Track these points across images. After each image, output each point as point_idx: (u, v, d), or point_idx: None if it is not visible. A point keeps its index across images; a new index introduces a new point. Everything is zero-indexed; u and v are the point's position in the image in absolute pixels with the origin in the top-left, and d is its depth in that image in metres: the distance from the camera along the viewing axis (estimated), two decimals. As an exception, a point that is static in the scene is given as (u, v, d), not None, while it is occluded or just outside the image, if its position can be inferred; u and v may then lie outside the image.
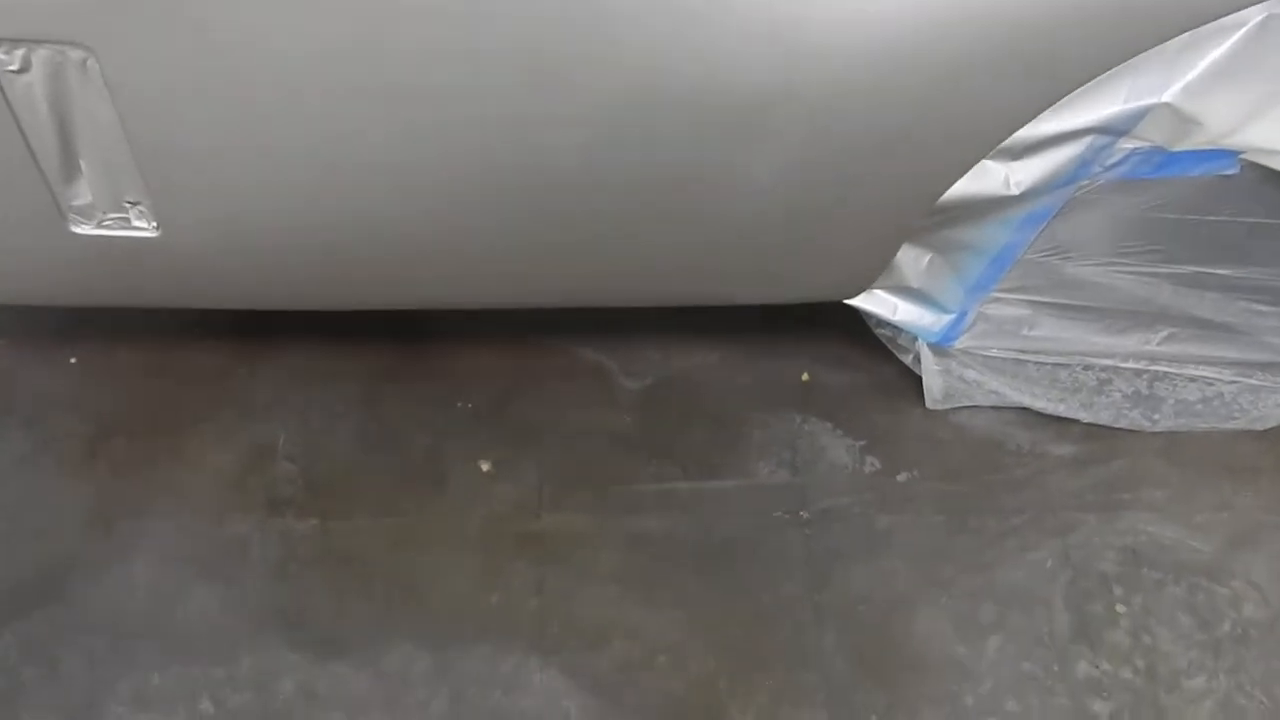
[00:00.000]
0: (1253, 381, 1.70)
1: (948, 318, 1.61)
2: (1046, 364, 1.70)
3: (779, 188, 1.29)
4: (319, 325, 1.79)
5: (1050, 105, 1.24)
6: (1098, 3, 1.15)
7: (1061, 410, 1.77)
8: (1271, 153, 1.30)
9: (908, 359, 1.79)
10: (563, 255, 1.44)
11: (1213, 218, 1.42)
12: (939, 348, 1.69)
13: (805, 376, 1.85)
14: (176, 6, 1.04)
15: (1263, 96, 1.26)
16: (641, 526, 1.66)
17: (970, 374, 1.74)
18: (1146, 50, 1.20)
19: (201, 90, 1.11)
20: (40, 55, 1.08)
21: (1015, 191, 1.35)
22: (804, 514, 1.69)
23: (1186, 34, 1.20)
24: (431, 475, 1.70)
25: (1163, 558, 1.66)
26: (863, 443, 1.78)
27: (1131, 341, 1.64)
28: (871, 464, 1.76)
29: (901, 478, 1.74)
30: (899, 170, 1.31)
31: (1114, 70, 1.23)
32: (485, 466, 1.71)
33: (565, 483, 1.70)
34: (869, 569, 1.64)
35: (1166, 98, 1.25)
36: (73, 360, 1.81)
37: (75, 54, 1.08)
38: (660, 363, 1.86)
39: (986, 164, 1.34)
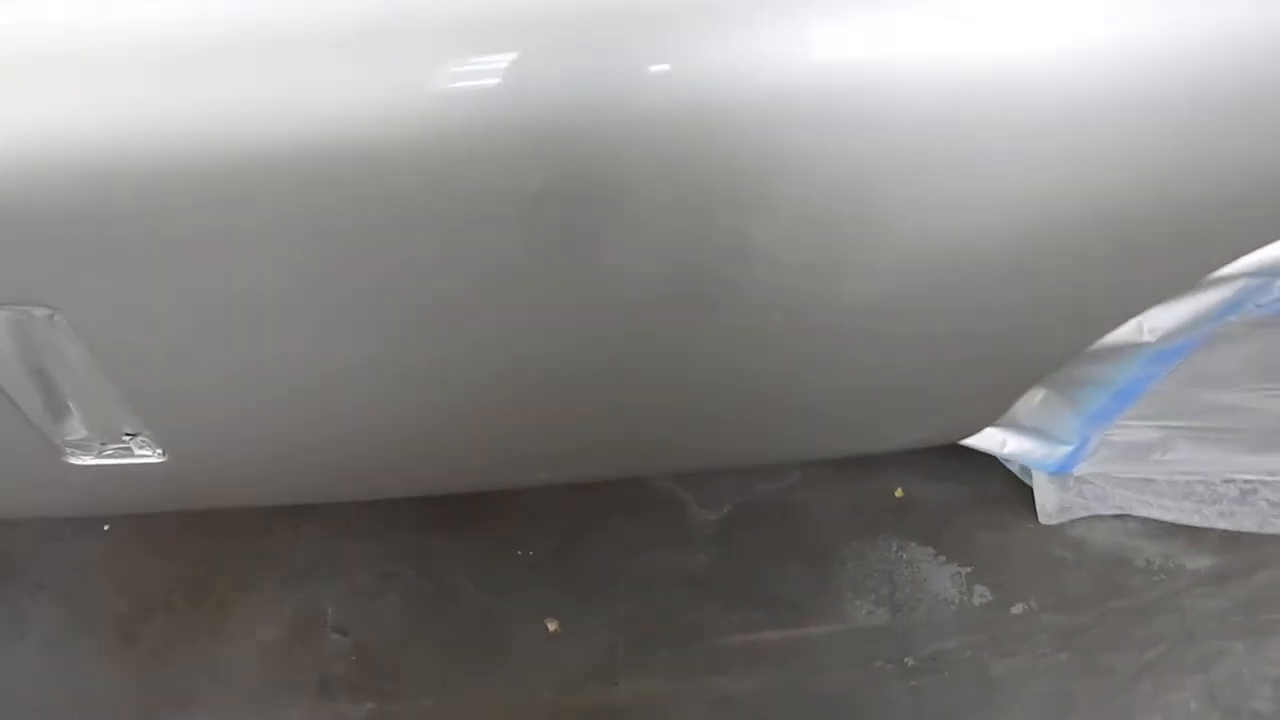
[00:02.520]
0: None
1: (1064, 449, 1.41)
2: (1181, 480, 1.49)
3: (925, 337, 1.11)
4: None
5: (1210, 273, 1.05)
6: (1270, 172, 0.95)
7: (1197, 521, 1.56)
8: None
9: (1014, 467, 1.59)
10: (633, 429, 1.27)
11: None
12: (1053, 466, 1.50)
13: (899, 492, 1.66)
14: (142, 264, 0.89)
15: None
16: (728, 687, 1.49)
17: (1089, 488, 1.54)
18: None
19: (182, 332, 0.96)
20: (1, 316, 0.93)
21: (1149, 339, 1.15)
22: (909, 661, 1.51)
23: None
24: (493, 640, 1.55)
25: (1327, 693, 1.46)
26: (969, 569, 1.59)
27: (1276, 459, 1.43)
28: (981, 595, 1.57)
29: (1016, 610, 1.55)
30: (1054, 328, 1.13)
31: None
32: (552, 626, 1.55)
33: (640, 641, 1.54)
34: (989, 726, 1.46)
35: None
36: (105, 527, 1.69)
37: (40, 312, 0.93)
38: (738, 488, 1.68)
39: None
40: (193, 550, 1.66)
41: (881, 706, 1.48)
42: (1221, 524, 1.56)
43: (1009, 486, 1.63)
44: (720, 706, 1.48)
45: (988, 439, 1.41)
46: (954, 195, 0.92)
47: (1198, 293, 1.10)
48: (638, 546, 1.63)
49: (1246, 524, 1.56)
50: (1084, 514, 1.59)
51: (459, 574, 1.62)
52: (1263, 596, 1.55)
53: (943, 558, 1.60)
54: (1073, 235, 0.97)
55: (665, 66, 0.84)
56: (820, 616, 1.55)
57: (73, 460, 1.13)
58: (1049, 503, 1.57)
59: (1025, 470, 1.58)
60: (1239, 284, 1.10)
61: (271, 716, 1.50)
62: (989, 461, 1.62)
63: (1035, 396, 1.34)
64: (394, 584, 1.61)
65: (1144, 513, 1.56)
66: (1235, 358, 1.26)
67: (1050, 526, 1.61)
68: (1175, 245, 1.03)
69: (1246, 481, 1.50)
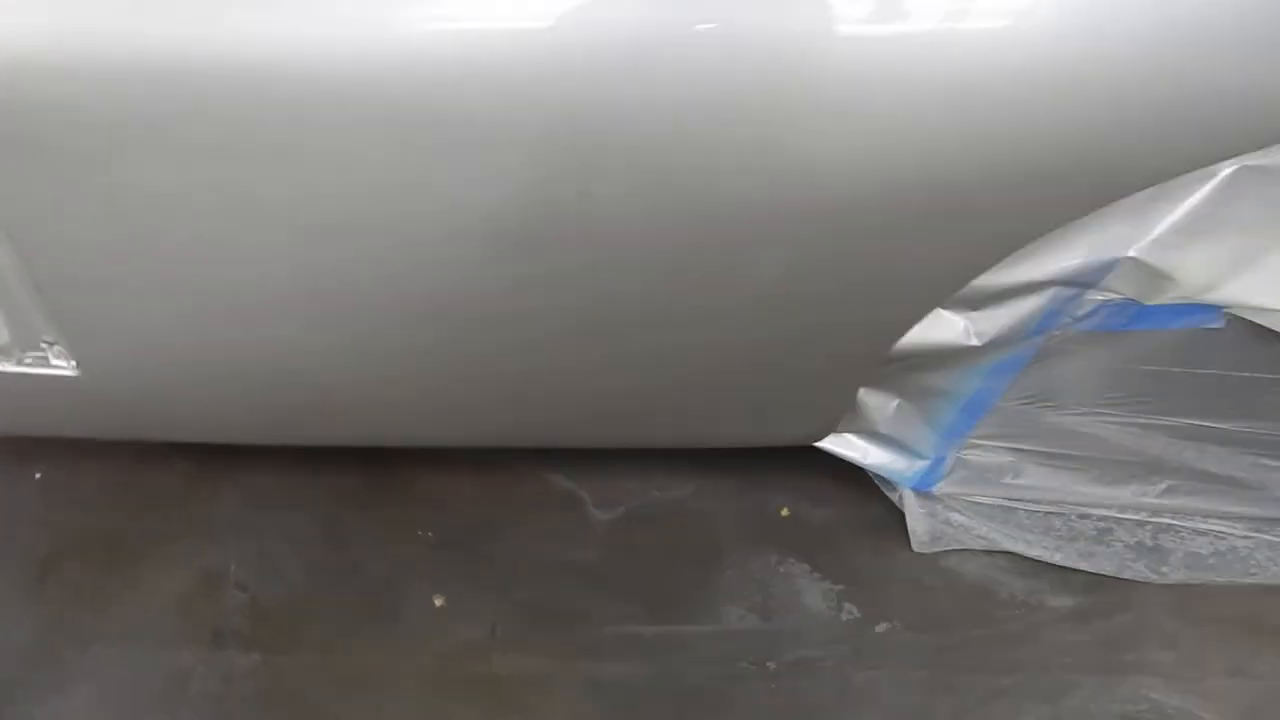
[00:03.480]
0: (1269, 537, 1.55)
1: (922, 463, 1.50)
2: (1038, 511, 1.58)
3: (734, 333, 1.22)
4: (288, 445, 1.75)
5: (1002, 259, 1.15)
6: (1052, 157, 1.06)
7: (1059, 559, 1.64)
8: (1257, 309, 1.18)
9: (895, 497, 1.68)
10: (518, 395, 1.38)
11: (1203, 371, 1.30)
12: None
13: (785, 511, 1.75)
14: (71, 165, 1.01)
15: (1239, 251, 1.15)
16: (599, 672, 1.56)
17: (956, 517, 1.62)
18: (1108, 205, 1.10)
19: (105, 232, 1.08)
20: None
21: (976, 342, 1.26)
22: (771, 665, 1.58)
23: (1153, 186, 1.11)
24: (384, 610, 1.63)
25: (1166, 730, 1.52)
26: (841, 587, 1.67)
27: (1127, 492, 1.51)
28: (849, 611, 1.64)
29: (881, 628, 1.63)
30: (850, 318, 1.22)
31: (1078, 221, 1.13)
32: (439, 601, 1.64)
33: (521, 621, 1.62)
34: (841, 731, 1.52)
35: (1133, 252, 1.15)
36: (38, 475, 1.79)
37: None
38: (636, 493, 1.78)
39: (944, 314, 1.24)
40: (117, 505, 1.76)
41: (741, 702, 1.54)
42: (1082, 564, 1.64)
43: (891, 515, 1.72)
44: (589, 688, 1.55)
45: (851, 447, 1.50)
46: (748, 170, 1.03)
47: (1014, 299, 1.21)
48: (533, 537, 1.72)
49: (1106, 567, 1.64)
50: (956, 546, 1.67)
51: (363, 547, 1.70)
52: (1120, 636, 1.62)
53: (818, 575, 1.68)
54: (862, 216, 1.08)
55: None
56: (695, 616, 1.63)
57: (-7, 366, 1.24)
58: (920, 529, 1.65)
59: (903, 500, 1.67)
60: (1050, 292, 1.20)
61: (165, 658, 1.58)
62: (874, 489, 1.71)
63: (890, 404, 1.44)
64: (300, 550, 1.70)
65: (1008, 546, 1.64)
66: (1066, 377, 1.35)
67: (925, 555, 1.69)
68: (959, 226, 1.12)
69: (1102, 519, 1.57)
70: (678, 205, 1.05)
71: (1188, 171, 1.07)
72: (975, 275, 1.16)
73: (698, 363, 1.28)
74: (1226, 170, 1.08)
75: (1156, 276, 1.17)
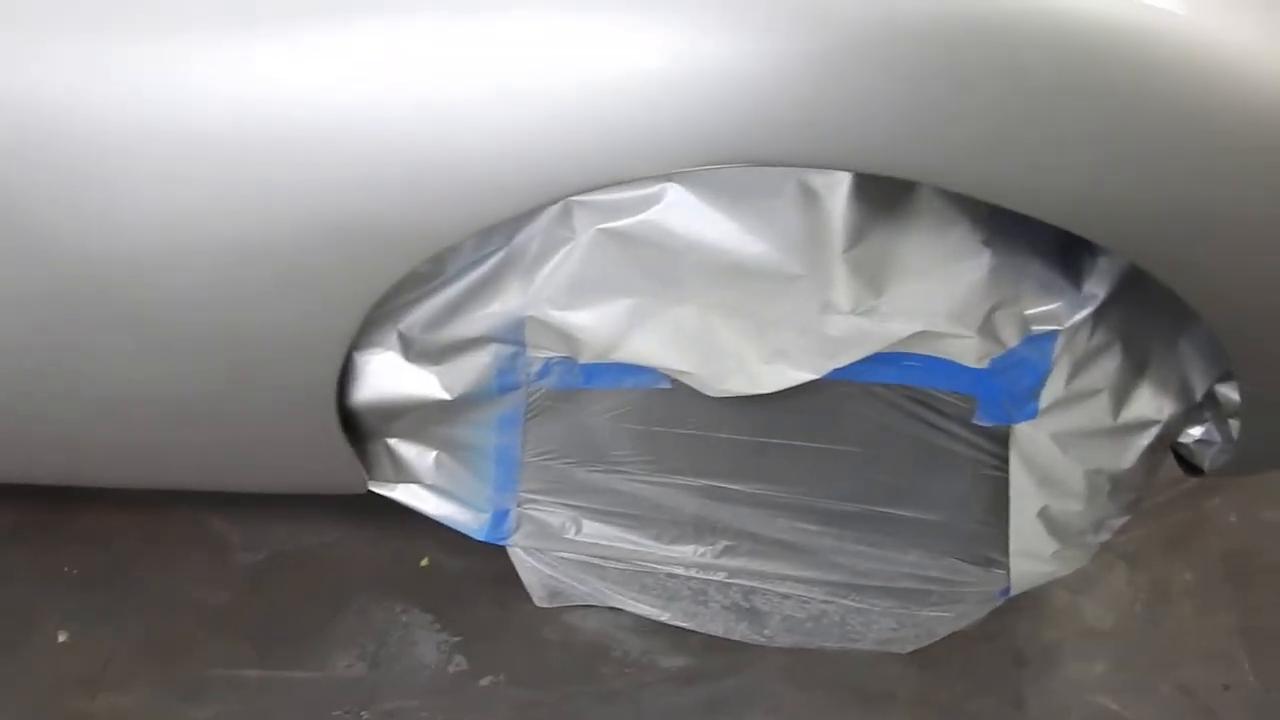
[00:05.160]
0: (848, 602, 1.53)
1: (484, 516, 1.51)
2: (627, 569, 1.57)
3: (170, 377, 1.24)
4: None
5: (369, 307, 1.16)
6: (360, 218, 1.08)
7: (667, 618, 1.63)
8: (671, 369, 1.19)
9: (514, 553, 1.68)
10: (55, 432, 1.41)
11: (688, 431, 1.30)
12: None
13: (425, 562, 1.77)
14: None
15: (627, 312, 1.16)
16: (189, 714, 1.59)
17: (570, 573, 1.61)
18: (424, 257, 1.11)
19: None
20: None
21: (447, 396, 1.27)
22: (365, 714, 1.59)
23: (537, 244, 1.12)
24: (4, 641, 1.67)
25: (744, 798, 1.50)
26: (458, 639, 1.67)
27: (688, 551, 1.49)
28: (458, 664, 1.65)
29: (485, 682, 1.63)
30: (261, 359, 1.24)
31: (484, 278, 1.15)
32: (62, 637, 1.67)
33: (135, 660, 1.65)
34: (414, 783, 1.52)
35: (531, 310, 1.16)
36: None
37: None
38: (284, 537, 1.81)
39: (410, 367, 1.27)
40: None
41: (324, 751, 1.56)
42: (690, 624, 1.63)
43: (526, 569, 1.72)
44: (179, 730, 1.58)
45: (419, 498, 1.50)
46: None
47: (465, 353, 1.22)
48: (173, 577, 1.75)
49: (713, 627, 1.62)
50: (578, 601, 1.67)
51: (6, 581, 1.75)
52: (725, 699, 1.61)
53: (438, 626, 1.69)
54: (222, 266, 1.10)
55: None
56: (305, 662, 1.64)
57: None
58: (534, 584, 1.65)
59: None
60: (493, 348, 1.22)
61: None
62: (515, 543, 1.72)
63: (428, 456, 1.45)
64: (-55, 580, 1.75)
65: (616, 603, 1.63)
66: (571, 435, 1.35)
67: (548, 610, 1.69)
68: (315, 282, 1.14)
69: (692, 578, 1.56)
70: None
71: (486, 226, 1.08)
72: (354, 324, 1.17)
73: (163, 405, 1.29)
74: (586, 235, 1.09)
75: (564, 335, 1.18)
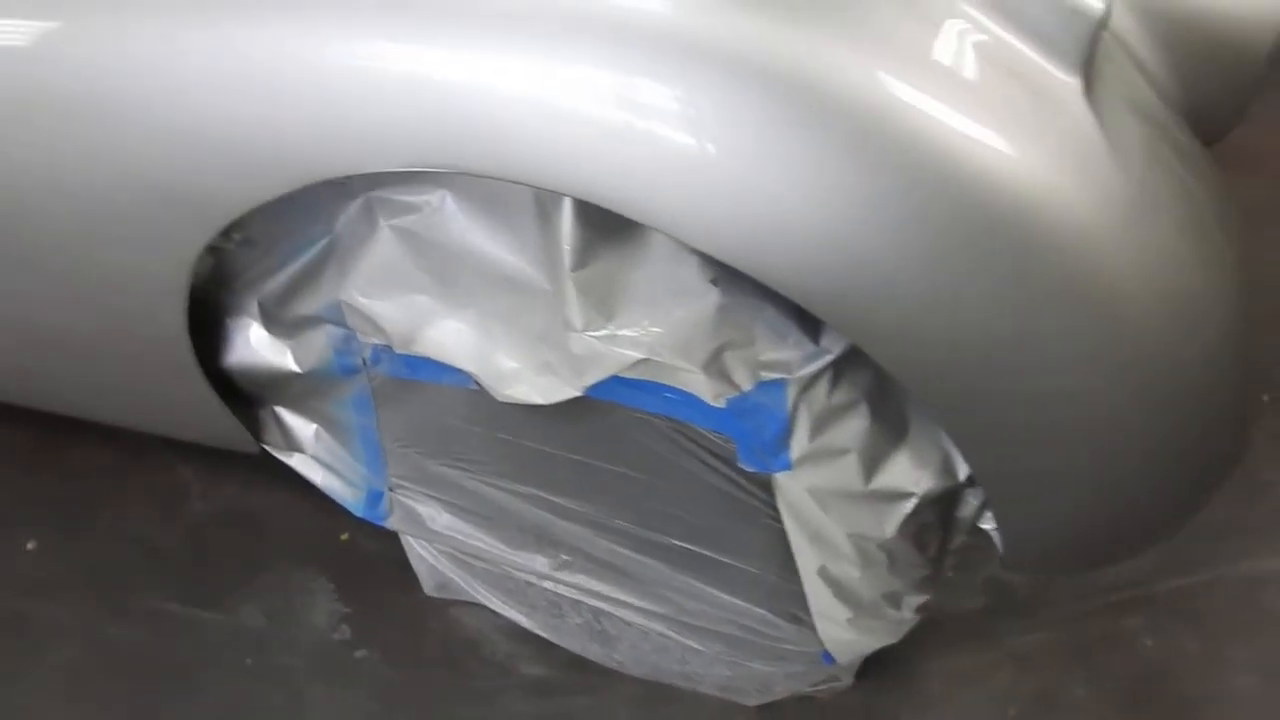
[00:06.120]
0: (683, 640, 1.55)
1: (361, 494, 1.62)
2: (492, 570, 1.65)
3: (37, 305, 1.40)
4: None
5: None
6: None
7: (531, 625, 1.70)
8: (464, 370, 1.26)
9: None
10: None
11: (505, 437, 1.37)
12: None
13: (345, 537, 1.90)
14: None
15: (416, 306, 1.24)
16: (111, 633, 1.76)
17: (454, 568, 1.71)
18: (218, 227, 1.19)
19: None
20: None
21: (297, 369, 1.40)
22: (249, 661, 1.73)
23: (349, 233, 1.23)
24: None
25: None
26: (349, 611, 1.80)
27: (534, 560, 1.56)
28: (342, 633, 1.77)
29: (359, 654, 1.75)
30: (109, 300, 1.34)
31: (313, 258, 1.27)
32: (30, 545, 1.90)
33: (80, 578, 1.84)
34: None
35: (343, 295, 1.27)
36: None
37: None
38: (237, 493, 1.97)
39: (269, 338, 1.40)
40: None
41: (209, 687, 1.70)
42: (549, 635, 1.69)
43: (430, 559, 1.83)
44: (99, 642, 1.76)
45: (310, 468, 1.63)
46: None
47: (309, 329, 1.33)
48: (133, 512, 1.93)
49: (570, 643, 1.68)
50: (465, 598, 1.76)
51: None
52: (570, 717, 1.66)
53: (337, 596, 1.82)
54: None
55: None
56: (216, 606, 1.80)
57: None
58: (423, 572, 1.75)
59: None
60: (325, 327, 1.33)
61: None
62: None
63: (309, 428, 1.57)
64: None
65: (488, 603, 1.71)
66: (414, 425, 1.44)
67: (439, 601, 1.79)
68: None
69: (551, 591, 1.62)
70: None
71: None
72: (180, 279, 1.26)
73: (45, 331, 1.43)
74: (383, 229, 1.19)
75: (372, 323, 1.27)
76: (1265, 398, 2.07)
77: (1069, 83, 0.98)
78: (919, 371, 1.03)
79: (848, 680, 1.62)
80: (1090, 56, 0.97)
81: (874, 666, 1.65)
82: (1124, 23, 1.11)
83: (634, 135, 0.96)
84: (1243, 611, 1.78)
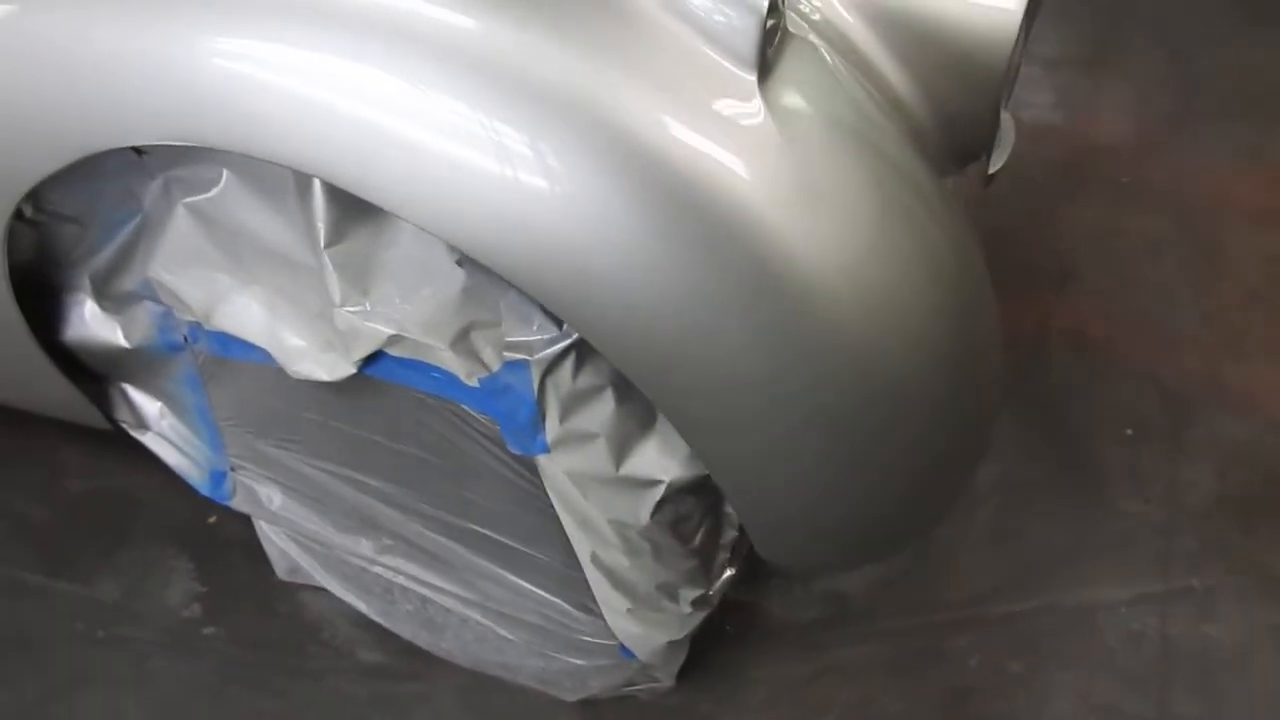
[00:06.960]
0: (496, 629, 1.59)
1: (204, 473, 1.67)
2: (328, 553, 1.70)
3: None
4: None
5: None
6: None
7: (368, 610, 1.75)
8: (259, 345, 1.31)
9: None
10: None
11: (312, 417, 1.42)
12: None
13: (213, 519, 1.96)
14: None
15: (211, 282, 1.31)
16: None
17: (286, 546, 1.76)
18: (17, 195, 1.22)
19: None
20: None
21: (126, 344, 1.46)
22: (100, 633, 1.79)
23: (154, 210, 1.29)
24: None
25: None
26: (204, 590, 1.85)
27: (363, 544, 1.61)
28: (193, 611, 1.83)
29: (207, 631, 1.80)
30: None
31: (130, 233, 1.33)
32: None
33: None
34: (106, 699, 1.71)
35: (150, 271, 1.33)
36: None
37: None
38: (114, 473, 2.00)
39: (100, 313, 1.46)
40: None
41: (56, 658, 1.76)
42: (383, 621, 1.73)
43: (288, 544, 1.88)
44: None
45: (161, 445, 1.68)
46: None
47: (136, 304, 1.38)
48: (11, 487, 1.99)
49: (402, 629, 1.73)
50: (315, 582, 1.81)
51: None
52: (395, 701, 1.71)
53: (194, 575, 1.87)
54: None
55: None
56: (75, 577, 1.86)
57: None
58: (274, 555, 1.80)
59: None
60: (148, 305, 1.39)
61: None
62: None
63: (154, 405, 1.63)
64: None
65: (328, 587, 1.76)
66: (234, 402, 1.49)
67: (290, 585, 1.84)
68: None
69: (381, 576, 1.66)
70: None
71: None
72: None
73: None
74: (179, 207, 1.26)
75: (177, 298, 1.34)
76: (1129, 431, 2.11)
77: (746, 79, 1.04)
78: (630, 360, 1.09)
79: (668, 681, 1.65)
80: (762, 52, 1.03)
81: (698, 669, 1.70)
82: (860, 35, 1.17)
83: (366, 122, 1.03)
84: (1072, 638, 1.81)
